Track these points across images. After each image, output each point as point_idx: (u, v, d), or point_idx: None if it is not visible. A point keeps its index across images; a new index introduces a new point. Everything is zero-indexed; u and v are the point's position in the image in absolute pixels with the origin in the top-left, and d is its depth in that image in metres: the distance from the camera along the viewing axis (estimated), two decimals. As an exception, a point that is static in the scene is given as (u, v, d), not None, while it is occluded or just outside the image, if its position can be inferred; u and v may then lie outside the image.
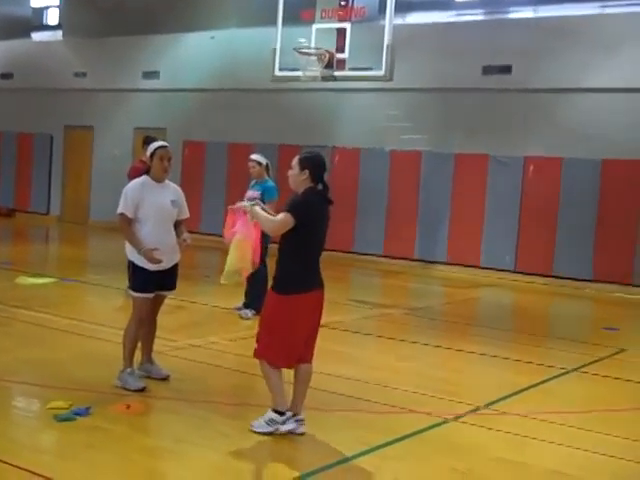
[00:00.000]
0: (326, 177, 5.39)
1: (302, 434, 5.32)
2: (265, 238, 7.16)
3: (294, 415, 5.37)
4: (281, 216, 5.21)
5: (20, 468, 4.50)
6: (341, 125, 16.46)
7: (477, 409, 6.25)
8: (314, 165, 5.34)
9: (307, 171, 5.30)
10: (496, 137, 14.75)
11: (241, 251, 6.53)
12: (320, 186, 5.34)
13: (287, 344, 5.23)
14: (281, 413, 5.28)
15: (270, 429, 5.27)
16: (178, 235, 6.33)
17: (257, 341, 5.33)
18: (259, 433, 5.25)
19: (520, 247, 14.46)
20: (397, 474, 4.82)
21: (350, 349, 8.41)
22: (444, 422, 5.87)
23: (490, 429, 5.77)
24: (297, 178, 5.33)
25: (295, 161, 5.37)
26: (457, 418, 5.98)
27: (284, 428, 5.27)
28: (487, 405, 6.36)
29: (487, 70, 14.83)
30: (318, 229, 5.31)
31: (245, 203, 5.80)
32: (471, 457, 5.20)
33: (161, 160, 6.23)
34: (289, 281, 5.24)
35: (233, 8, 18.51)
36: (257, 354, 5.33)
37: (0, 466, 4.52)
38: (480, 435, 5.67)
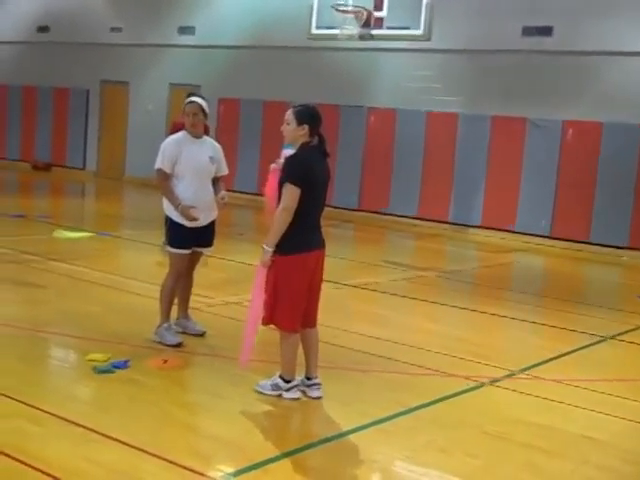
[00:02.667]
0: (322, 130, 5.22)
1: (318, 398, 5.28)
2: None
3: (309, 379, 5.33)
4: (286, 192, 5.01)
5: (60, 417, 4.58)
6: (377, 85, 16.30)
7: (512, 374, 6.23)
8: (313, 119, 5.17)
9: (306, 126, 5.13)
10: (534, 100, 14.52)
11: None
12: (316, 140, 5.20)
13: (291, 305, 5.11)
14: (287, 381, 5.23)
15: (274, 393, 5.22)
16: (216, 192, 6.32)
17: (264, 308, 5.19)
18: (262, 394, 5.24)
19: (556, 212, 14.30)
20: (432, 436, 4.84)
21: (384, 311, 8.42)
22: (480, 386, 5.87)
23: (525, 394, 5.75)
24: (295, 133, 5.15)
25: (290, 115, 5.17)
26: (492, 382, 5.97)
27: (287, 395, 5.21)
28: (522, 370, 6.34)
29: (527, 31, 14.55)
30: (316, 186, 5.12)
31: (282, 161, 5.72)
32: (506, 421, 5.20)
33: (187, 116, 6.21)
34: (290, 240, 5.06)
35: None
36: (265, 320, 5.22)
37: (41, 415, 4.61)
38: (515, 400, 5.66)
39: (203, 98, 6.40)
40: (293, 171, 5.07)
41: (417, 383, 5.85)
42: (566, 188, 14.19)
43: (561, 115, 14.20)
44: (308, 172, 5.07)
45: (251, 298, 5.34)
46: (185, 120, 6.22)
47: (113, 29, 20.05)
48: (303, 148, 5.18)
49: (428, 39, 14.71)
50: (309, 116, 5.18)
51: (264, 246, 5.11)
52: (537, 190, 14.44)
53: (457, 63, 15.34)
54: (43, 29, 21.51)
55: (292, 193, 5.02)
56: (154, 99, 19.35)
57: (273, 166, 5.49)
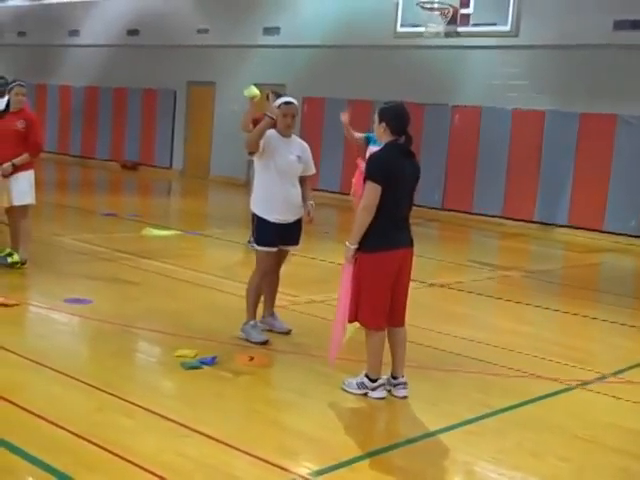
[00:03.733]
0: (409, 129, 5.20)
1: (404, 397, 5.25)
2: None
3: (395, 378, 5.30)
4: (366, 190, 5.06)
5: (151, 411, 4.68)
6: (462, 83, 16.13)
7: (604, 377, 6.09)
8: (392, 117, 5.17)
9: (384, 123, 5.16)
10: (625, 97, 14.12)
11: None
12: (402, 139, 5.18)
13: (374, 302, 5.11)
14: (373, 380, 5.22)
15: (359, 392, 5.23)
16: (303, 194, 6.35)
17: (350, 306, 5.21)
18: (348, 393, 5.24)
19: (647, 211, 13.88)
20: (521, 439, 4.76)
21: (471, 310, 8.33)
22: (569, 389, 5.75)
23: (617, 398, 5.61)
24: (378, 131, 5.23)
25: (375, 113, 5.24)
26: (583, 385, 5.84)
27: (373, 394, 5.20)
28: (614, 373, 6.18)
29: (619, 25, 14.16)
30: (398, 185, 5.09)
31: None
32: (597, 425, 5.08)
33: (284, 116, 6.25)
34: (373, 238, 5.08)
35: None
36: (350, 318, 5.24)
37: (133, 408, 4.72)
38: (607, 404, 5.53)
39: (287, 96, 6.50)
40: (373, 169, 5.11)
41: (505, 384, 5.76)
42: (659, 187, 13.76)
43: (654, 111, 13.78)
44: (388, 170, 5.07)
45: (338, 296, 5.36)
46: (280, 120, 6.25)
47: (200, 31, 20.39)
48: (387, 146, 5.21)
49: (516, 35, 14.45)
50: (389, 114, 5.21)
51: (347, 243, 5.14)
52: (627, 189, 14.04)
53: (545, 59, 15.05)
54: (133, 32, 22.04)
55: (372, 191, 5.04)
56: (240, 99, 19.55)
57: (360, 161, 5.52)
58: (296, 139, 6.45)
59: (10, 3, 28.88)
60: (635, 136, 13.94)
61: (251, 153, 6.29)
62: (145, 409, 4.71)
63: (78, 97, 23.31)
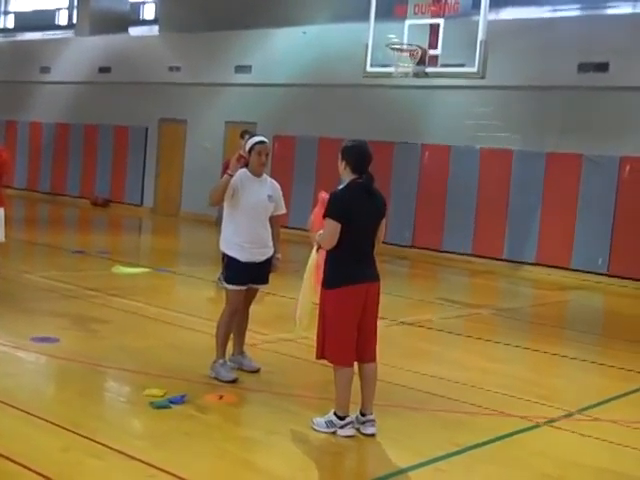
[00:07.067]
0: (370, 168, 5.28)
1: (372, 435, 5.25)
2: None
3: (363, 415, 5.31)
4: (325, 226, 5.17)
5: (119, 452, 4.65)
6: (431, 122, 16.34)
7: (570, 414, 6.13)
8: (352, 156, 5.25)
9: (344, 162, 5.25)
10: (590, 136, 14.39)
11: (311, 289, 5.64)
12: (363, 177, 5.25)
13: (340, 338, 5.15)
14: (341, 418, 5.22)
15: (328, 430, 5.22)
16: (273, 234, 6.45)
17: (316, 342, 5.27)
18: (317, 431, 5.24)
19: (614, 250, 14.06)
20: (488, 477, 4.79)
21: (439, 348, 8.38)
22: (536, 426, 5.79)
23: (583, 435, 5.66)
24: (339, 168, 5.32)
25: (339, 151, 5.33)
26: (550, 423, 5.89)
27: (342, 432, 5.19)
28: (580, 411, 6.24)
29: (583, 67, 14.47)
30: (359, 222, 5.18)
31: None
32: (563, 463, 5.12)
33: (259, 155, 6.31)
34: (334, 275, 5.17)
35: (325, 3, 18.59)
36: (316, 355, 5.30)
37: (99, 448, 4.69)
38: (573, 441, 5.57)
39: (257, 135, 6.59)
40: (330, 207, 5.20)
41: (473, 422, 5.80)
42: (623, 225, 13.97)
43: (618, 151, 14.03)
44: (347, 208, 5.15)
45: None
46: (254, 159, 6.30)
47: (172, 68, 20.50)
48: (347, 185, 5.28)
49: (483, 76, 14.70)
50: (350, 153, 5.29)
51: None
52: (593, 227, 14.24)
53: (512, 100, 15.31)
54: (104, 70, 22.08)
55: (331, 228, 5.15)
56: (211, 137, 19.67)
57: (323, 195, 5.54)
58: (267, 178, 6.50)
59: (-19, 40, 28.92)
60: (600, 175, 14.17)
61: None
62: (112, 449, 4.68)
63: (49, 134, 23.26)
